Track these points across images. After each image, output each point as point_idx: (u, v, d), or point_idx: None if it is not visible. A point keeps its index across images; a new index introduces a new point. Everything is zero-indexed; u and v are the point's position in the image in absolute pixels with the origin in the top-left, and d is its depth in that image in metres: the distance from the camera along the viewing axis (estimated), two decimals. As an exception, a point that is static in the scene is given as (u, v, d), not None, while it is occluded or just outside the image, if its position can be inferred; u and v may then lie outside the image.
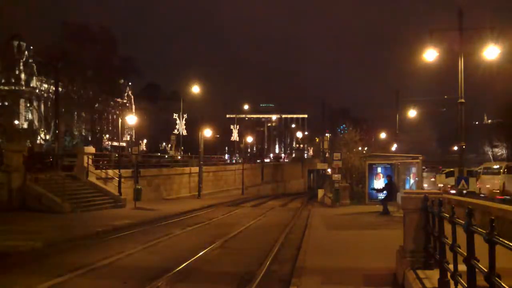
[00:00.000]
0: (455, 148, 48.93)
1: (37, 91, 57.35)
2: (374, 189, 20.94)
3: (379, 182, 20.85)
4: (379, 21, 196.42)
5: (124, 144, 58.12)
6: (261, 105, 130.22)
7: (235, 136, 71.38)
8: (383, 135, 56.26)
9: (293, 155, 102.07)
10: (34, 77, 57.60)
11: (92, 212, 19.52)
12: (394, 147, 43.39)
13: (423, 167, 28.79)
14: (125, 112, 58.27)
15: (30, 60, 57.08)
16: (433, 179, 36.34)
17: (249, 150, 79.79)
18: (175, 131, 55.96)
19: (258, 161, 65.14)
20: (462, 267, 4.45)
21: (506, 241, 3.41)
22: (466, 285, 4.30)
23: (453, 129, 43.69)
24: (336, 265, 8.94)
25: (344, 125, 76.46)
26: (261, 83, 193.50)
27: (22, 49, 56.84)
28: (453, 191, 23.04)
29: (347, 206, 23.35)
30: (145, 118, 62.06)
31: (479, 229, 3.99)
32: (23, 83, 56.25)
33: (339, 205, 23.65)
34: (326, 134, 59.76)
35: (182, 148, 54.90)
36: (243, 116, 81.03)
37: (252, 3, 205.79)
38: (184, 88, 47.38)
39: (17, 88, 54.43)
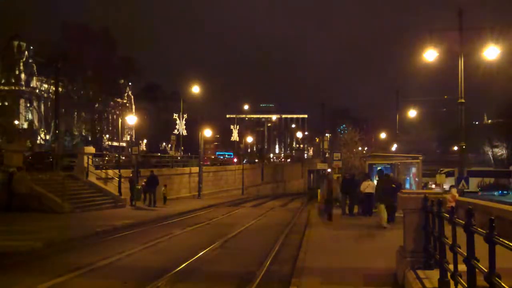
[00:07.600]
0: (455, 148, 48.91)
1: (37, 91, 57.35)
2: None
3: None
4: (379, 21, 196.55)
5: (124, 144, 57.98)
6: (261, 105, 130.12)
7: (235, 136, 71.31)
8: (383, 135, 56.21)
9: (293, 154, 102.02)
10: (34, 77, 57.60)
11: (92, 212, 19.53)
12: (394, 147, 43.39)
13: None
14: (125, 112, 58.30)
15: (30, 60, 57.06)
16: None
17: (249, 150, 79.70)
18: (175, 131, 55.82)
19: (256, 160, 65.04)
20: (462, 267, 4.45)
21: (506, 241, 3.41)
22: (466, 285, 4.29)
23: (453, 129, 43.74)
24: (336, 265, 8.93)
25: (344, 125, 76.37)
26: (261, 83, 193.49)
27: (22, 49, 56.83)
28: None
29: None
30: (145, 118, 62.02)
31: (479, 229, 3.99)
32: (23, 83, 56.25)
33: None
34: (326, 134, 59.63)
35: (182, 148, 54.83)
36: (243, 116, 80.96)
37: (253, 4, 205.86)
38: (184, 88, 47.52)
39: (17, 88, 54.43)
